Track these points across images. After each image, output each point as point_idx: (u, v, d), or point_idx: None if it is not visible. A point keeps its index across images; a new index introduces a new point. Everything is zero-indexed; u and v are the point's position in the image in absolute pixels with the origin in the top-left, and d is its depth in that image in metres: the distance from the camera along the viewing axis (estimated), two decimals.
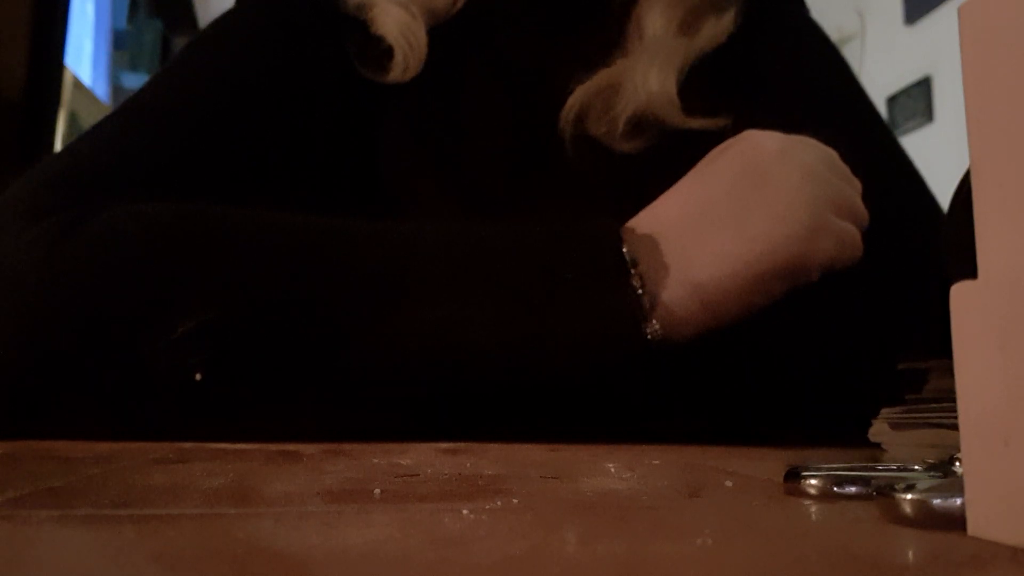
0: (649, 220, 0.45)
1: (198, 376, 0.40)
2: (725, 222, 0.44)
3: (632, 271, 0.42)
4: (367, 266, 0.44)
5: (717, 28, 0.59)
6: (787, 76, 0.62)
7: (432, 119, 0.57)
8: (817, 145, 0.47)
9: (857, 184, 0.47)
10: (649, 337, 0.42)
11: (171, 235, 0.44)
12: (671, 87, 0.56)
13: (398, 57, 0.55)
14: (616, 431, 0.42)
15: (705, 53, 0.59)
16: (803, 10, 0.68)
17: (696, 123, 0.56)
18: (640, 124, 0.56)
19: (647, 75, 0.56)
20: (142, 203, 0.45)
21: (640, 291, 0.42)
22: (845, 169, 0.47)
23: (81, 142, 0.52)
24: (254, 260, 0.43)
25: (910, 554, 0.16)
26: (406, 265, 0.44)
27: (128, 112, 0.53)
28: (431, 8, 0.58)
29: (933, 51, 3.07)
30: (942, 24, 3.03)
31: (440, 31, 0.58)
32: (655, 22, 0.59)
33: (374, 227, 0.45)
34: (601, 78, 0.57)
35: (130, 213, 0.44)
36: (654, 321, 0.42)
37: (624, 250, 0.43)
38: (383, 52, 0.56)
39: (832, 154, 0.47)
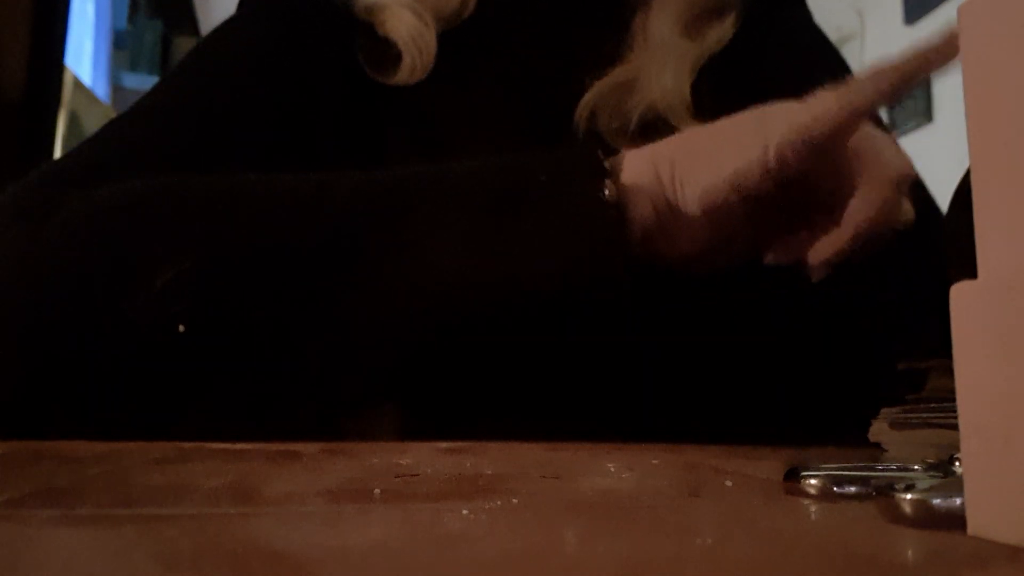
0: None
1: (181, 328, 0.41)
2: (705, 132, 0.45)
3: (607, 169, 0.43)
4: (344, 214, 0.44)
5: (721, 31, 0.59)
6: (788, 81, 0.62)
7: (439, 121, 0.57)
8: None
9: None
10: (608, 193, 0.42)
11: (145, 197, 0.45)
12: (685, 86, 0.57)
13: (406, 60, 0.56)
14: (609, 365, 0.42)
15: (711, 56, 0.59)
16: (805, 14, 0.68)
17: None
18: (648, 125, 0.57)
19: (662, 73, 0.57)
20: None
21: (600, 156, 0.43)
22: None
23: (82, 145, 0.52)
24: (227, 210, 0.44)
25: (910, 554, 0.16)
26: (385, 209, 0.44)
27: (131, 115, 0.53)
28: (442, 14, 0.58)
29: None
30: (942, 24, 3.02)
31: (451, 34, 0.58)
32: (661, 25, 0.59)
33: (350, 180, 0.46)
34: (617, 74, 0.57)
35: (105, 189, 0.45)
36: (608, 183, 0.42)
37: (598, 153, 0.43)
38: (392, 55, 0.56)
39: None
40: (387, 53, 0.56)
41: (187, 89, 0.54)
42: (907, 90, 0.42)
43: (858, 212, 0.44)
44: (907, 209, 0.46)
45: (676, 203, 0.43)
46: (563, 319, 0.43)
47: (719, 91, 0.58)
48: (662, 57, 0.57)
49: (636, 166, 0.43)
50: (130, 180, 0.46)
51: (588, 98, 0.56)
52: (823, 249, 0.45)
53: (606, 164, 0.43)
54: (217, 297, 0.42)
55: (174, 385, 0.43)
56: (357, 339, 0.43)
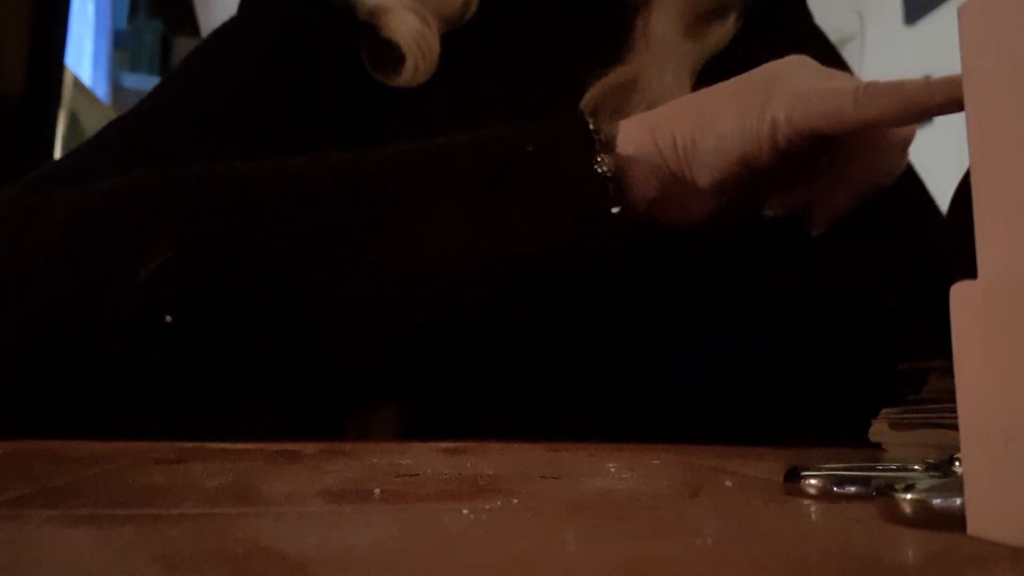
0: None
1: (168, 318, 0.41)
2: (705, 96, 0.44)
3: (601, 141, 0.42)
4: (329, 195, 0.44)
5: (722, 32, 0.59)
6: None
7: (440, 121, 0.57)
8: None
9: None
10: (604, 169, 0.41)
11: (128, 189, 0.45)
12: (686, 87, 0.57)
13: (409, 63, 0.55)
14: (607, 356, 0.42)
15: (712, 57, 0.59)
16: (806, 16, 0.68)
17: None
18: None
19: (663, 73, 0.57)
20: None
21: (592, 126, 0.42)
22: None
23: (82, 147, 0.52)
24: (208, 196, 0.44)
25: (910, 554, 0.16)
26: (371, 188, 0.43)
27: (132, 116, 0.53)
28: (444, 15, 0.58)
29: (933, 51, 3.07)
30: (942, 24, 3.03)
31: (453, 35, 0.58)
32: (663, 26, 0.59)
33: (333, 165, 0.45)
34: (618, 75, 0.57)
35: (93, 184, 0.45)
36: (601, 140, 0.41)
37: (591, 127, 0.42)
38: (395, 57, 0.56)
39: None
40: (390, 55, 0.56)
41: (188, 90, 0.54)
42: (933, 115, 0.41)
43: (864, 174, 0.44)
44: (903, 162, 0.46)
45: (682, 174, 0.42)
46: (561, 295, 0.42)
47: None
48: (663, 57, 0.57)
49: (633, 137, 0.42)
50: (114, 177, 0.46)
51: (588, 98, 0.56)
52: (825, 206, 0.45)
53: (600, 136, 0.42)
54: (203, 284, 0.42)
55: (170, 379, 0.42)
56: (352, 323, 0.42)
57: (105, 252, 0.43)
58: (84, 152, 0.51)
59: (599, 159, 0.41)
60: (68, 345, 0.42)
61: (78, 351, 0.42)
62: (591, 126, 0.42)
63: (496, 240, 0.41)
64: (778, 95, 0.41)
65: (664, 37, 0.59)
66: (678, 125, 0.42)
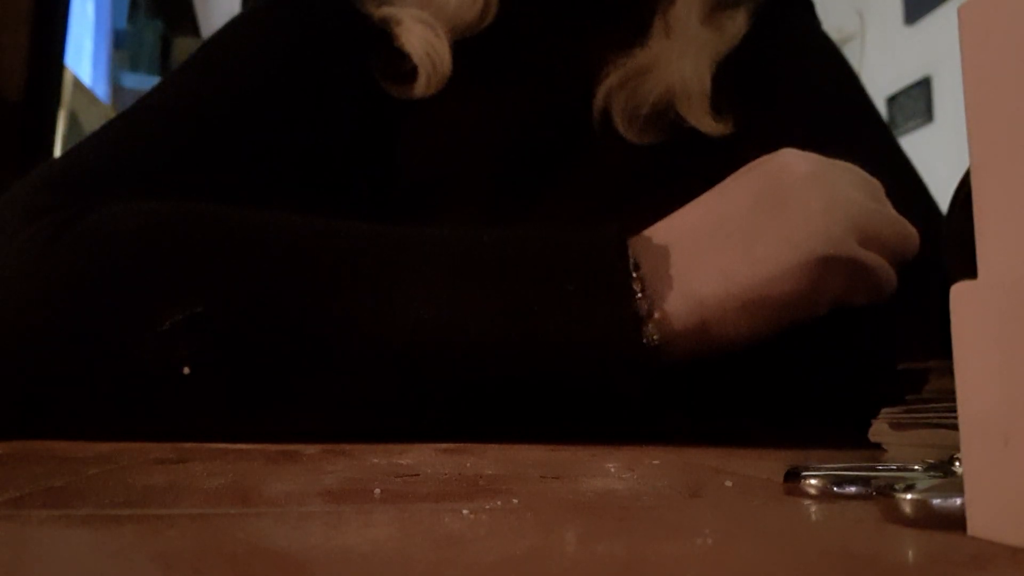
0: (663, 230, 0.44)
1: (186, 370, 0.40)
2: (735, 240, 0.43)
3: (634, 274, 0.42)
4: (360, 263, 0.43)
5: (735, 25, 0.60)
6: (797, 90, 0.63)
7: (453, 122, 0.57)
8: (857, 172, 0.45)
9: (899, 220, 0.45)
10: (644, 342, 0.41)
11: (161, 229, 0.44)
12: (705, 75, 0.57)
13: (421, 77, 0.55)
14: (613, 432, 0.42)
15: (726, 53, 0.59)
16: (814, 23, 0.69)
17: (709, 124, 0.57)
18: (660, 113, 0.57)
19: (682, 59, 0.57)
20: (138, 201, 0.45)
21: (639, 295, 0.41)
22: (886, 201, 0.46)
23: (85, 144, 0.51)
24: (244, 254, 0.43)
25: (910, 554, 0.16)
26: (402, 263, 0.43)
27: (133, 114, 0.53)
28: (460, 25, 0.58)
29: (933, 51, 3.07)
30: (942, 24, 3.03)
31: (466, 42, 0.57)
32: (684, 12, 0.59)
33: (372, 227, 0.45)
34: (637, 59, 0.57)
35: (122, 210, 0.44)
36: (650, 327, 0.41)
37: (628, 254, 0.42)
38: (406, 70, 0.55)
39: (874, 184, 0.46)
40: (401, 67, 0.56)
41: (192, 89, 0.53)
42: None
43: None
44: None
45: (723, 344, 0.43)
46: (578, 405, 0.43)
47: (727, 94, 0.58)
48: (683, 45, 0.58)
49: (682, 315, 0.42)
50: (151, 200, 0.45)
51: (608, 81, 0.57)
52: None
53: (644, 304, 0.41)
54: (224, 341, 0.41)
55: (174, 421, 0.42)
56: (363, 397, 0.42)
57: (133, 294, 0.41)
58: (96, 152, 0.50)
59: (646, 333, 0.41)
60: (71, 371, 0.41)
61: (80, 379, 0.41)
62: (627, 253, 0.42)
63: (525, 340, 0.41)
64: (834, 271, 0.42)
65: (685, 25, 0.59)
66: (730, 302, 0.42)
